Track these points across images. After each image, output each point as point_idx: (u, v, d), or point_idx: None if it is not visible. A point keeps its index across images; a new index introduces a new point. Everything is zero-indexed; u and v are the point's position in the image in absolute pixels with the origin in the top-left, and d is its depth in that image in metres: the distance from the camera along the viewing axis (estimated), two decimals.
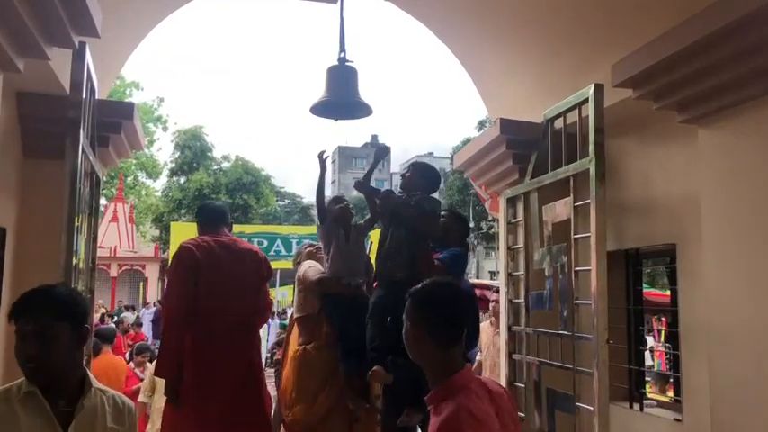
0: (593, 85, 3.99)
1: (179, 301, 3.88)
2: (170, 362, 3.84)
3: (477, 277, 36.05)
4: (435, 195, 4.17)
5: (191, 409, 3.80)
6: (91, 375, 2.22)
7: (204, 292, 3.87)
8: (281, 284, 14.19)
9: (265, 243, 14.11)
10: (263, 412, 4.14)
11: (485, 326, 7.34)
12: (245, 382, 4.00)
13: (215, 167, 36.43)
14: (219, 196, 33.08)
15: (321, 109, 4.43)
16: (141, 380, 6.74)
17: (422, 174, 4.17)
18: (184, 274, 3.90)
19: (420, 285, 2.17)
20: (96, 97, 4.11)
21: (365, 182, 4.11)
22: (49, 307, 2.07)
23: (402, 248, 3.88)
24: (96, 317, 13.47)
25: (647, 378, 5.47)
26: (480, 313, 6.51)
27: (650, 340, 10.88)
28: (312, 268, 4.17)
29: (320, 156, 4.16)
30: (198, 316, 3.86)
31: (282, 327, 11.48)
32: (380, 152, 4.20)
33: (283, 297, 16.11)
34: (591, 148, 3.95)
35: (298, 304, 4.20)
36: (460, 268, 4.32)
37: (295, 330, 4.28)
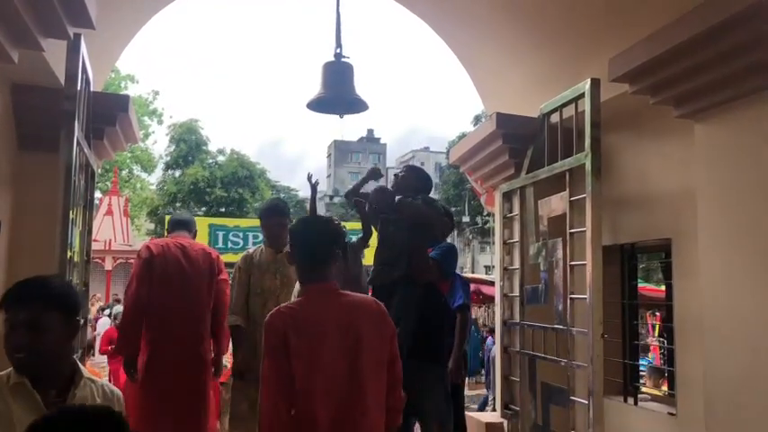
0: (589, 79, 4.00)
1: (134, 291, 4.45)
2: (126, 343, 4.52)
3: (473, 272, 36.08)
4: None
5: (147, 384, 4.39)
6: (81, 366, 2.20)
7: (157, 284, 4.45)
8: None
9: (260, 237, 14.10)
10: (204, 397, 4.61)
11: None
12: (191, 365, 4.48)
13: (210, 161, 36.32)
14: (214, 190, 33.00)
15: (318, 105, 4.43)
16: None
17: (417, 176, 4.32)
18: (140, 268, 4.50)
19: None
20: (91, 89, 4.09)
21: (353, 193, 4.32)
22: (41, 297, 2.04)
23: (401, 250, 3.93)
24: (93, 310, 13.46)
25: (641, 372, 5.49)
26: (476, 307, 6.55)
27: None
28: None
29: (309, 179, 4.45)
30: (152, 305, 4.43)
31: None
32: (373, 174, 4.32)
33: None
34: (587, 142, 3.96)
35: None
36: (453, 265, 4.34)
37: None
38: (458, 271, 6.36)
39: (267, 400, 2.43)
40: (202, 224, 16.66)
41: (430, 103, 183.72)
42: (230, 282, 4.75)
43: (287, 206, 5.02)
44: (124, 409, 2.29)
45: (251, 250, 4.83)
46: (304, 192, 51.78)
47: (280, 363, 2.42)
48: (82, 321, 2.18)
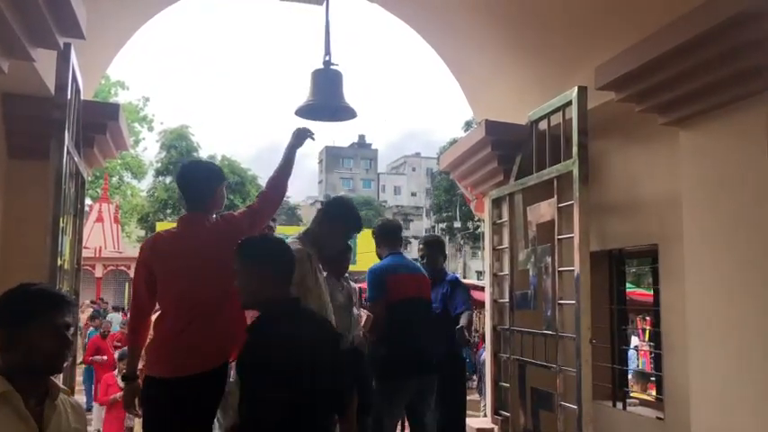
0: (576, 87, 4.04)
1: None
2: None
3: (465, 277, 36.13)
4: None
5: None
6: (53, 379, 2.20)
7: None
8: None
9: None
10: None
11: None
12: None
13: None
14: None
15: (306, 112, 4.45)
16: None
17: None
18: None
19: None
20: (82, 98, 4.10)
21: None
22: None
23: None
24: (84, 317, 13.37)
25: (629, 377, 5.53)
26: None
27: (635, 339, 10.95)
28: None
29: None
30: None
31: None
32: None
33: None
34: (574, 149, 4.00)
35: None
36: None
37: None
38: (458, 275, 6.41)
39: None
40: None
41: (423, 110, 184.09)
42: None
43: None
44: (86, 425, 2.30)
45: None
46: (294, 198, 51.74)
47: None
48: (72, 330, 2.18)
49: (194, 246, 3.40)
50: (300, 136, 3.86)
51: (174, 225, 3.61)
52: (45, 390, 2.12)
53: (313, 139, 3.89)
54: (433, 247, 5.46)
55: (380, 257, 4.64)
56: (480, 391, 11.23)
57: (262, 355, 2.61)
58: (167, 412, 3.20)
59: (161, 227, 17.64)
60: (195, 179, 3.55)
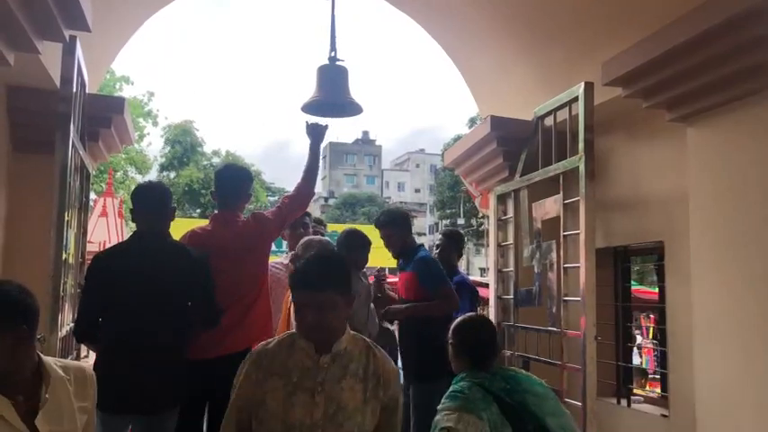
0: (582, 83, 4.02)
1: None
2: None
3: (468, 274, 36.09)
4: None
5: None
6: (49, 363, 2.10)
7: None
8: None
9: None
10: None
11: None
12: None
13: (205, 162, 36.29)
14: (209, 192, 32.97)
15: (312, 108, 4.45)
16: None
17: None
18: None
19: None
20: (87, 91, 4.10)
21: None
22: None
23: None
24: None
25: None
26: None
27: (638, 337, 10.93)
28: None
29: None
30: None
31: None
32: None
33: None
34: (580, 145, 3.98)
35: None
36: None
37: None
38: (464, 275, 6.36)
39: None
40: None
41: (428, 106, 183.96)
42: None
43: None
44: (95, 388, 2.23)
45: None
46: None
47: None
48: (28, 341, 2.06)
49: (225, 243, 3.66)
50: (316, 133, 4.02)
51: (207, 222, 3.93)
52: (33, 381, 2.04)
53: (326, 127, 4.07)
54: (451, 240, 5.42)
55: (404, 246, 4.59)
56: None
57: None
58: (202, 392, 3.47)
59: None
60: (233, 180, 3.90)
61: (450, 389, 2.65)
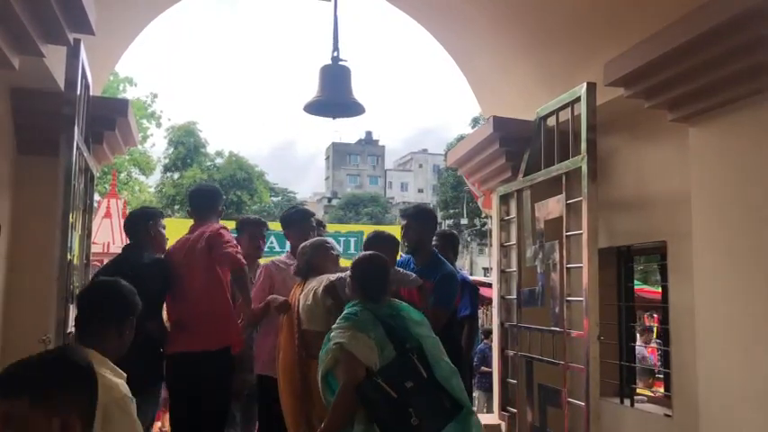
0: (585, 83, 4.03)
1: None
2: None
3: (471, 274, 36.03)
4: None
5: None
6: None
7: None
8: None
9: None
10: None
11: None
12: None
13: (209, 163, 36.38)
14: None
15: (315, 107, 4.46)
16: None
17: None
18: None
19: None
20: (91, 94, 4.12)
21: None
22: None
23: None
24: None
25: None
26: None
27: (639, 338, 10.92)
28: None
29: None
30: None
31: None
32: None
33: None
34: (583, 145, 3.99)
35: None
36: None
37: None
38: (465, 274, 6.36)
39: None
40: None
41: (432, 106, 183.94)
42: None
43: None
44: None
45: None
46: (301, 195, 51.87)
47: None
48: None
49: (186, 252, 4.34)
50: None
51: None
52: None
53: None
54: (446, 240, 5.40)
55: (419, 242, 4.51)
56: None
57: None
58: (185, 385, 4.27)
59: (168, 223, 17.65)
60: (202, 198, 4.64)
61: (345, 312, 3.28)
